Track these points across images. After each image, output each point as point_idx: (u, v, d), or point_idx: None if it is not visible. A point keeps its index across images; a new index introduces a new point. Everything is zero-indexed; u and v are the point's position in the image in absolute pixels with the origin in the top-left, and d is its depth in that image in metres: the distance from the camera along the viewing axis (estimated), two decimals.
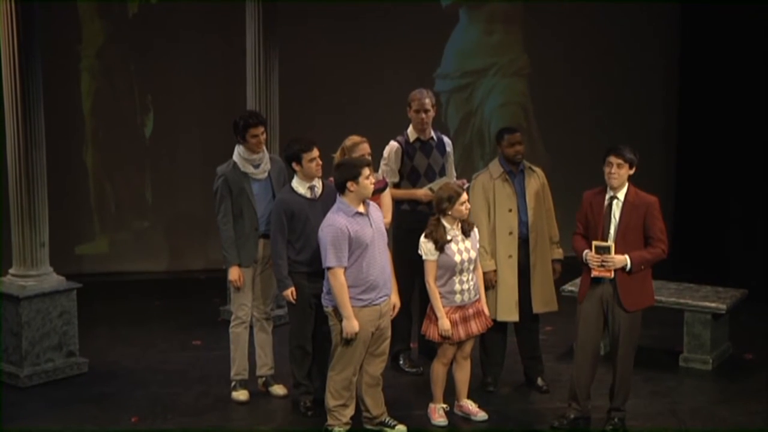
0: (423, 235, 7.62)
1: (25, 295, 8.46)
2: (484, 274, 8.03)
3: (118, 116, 11.73)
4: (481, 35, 12.26)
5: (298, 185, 7.79)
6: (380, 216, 7.52)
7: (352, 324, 7.29)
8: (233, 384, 8.26)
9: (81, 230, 11.74)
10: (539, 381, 8.48)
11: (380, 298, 7.40)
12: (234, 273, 8.08)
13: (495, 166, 8.24)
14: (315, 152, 7.75)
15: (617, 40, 12.20)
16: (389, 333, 7.56)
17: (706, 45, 11.67)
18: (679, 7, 12.08)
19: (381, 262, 7.38)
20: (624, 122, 12.04)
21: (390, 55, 11.72)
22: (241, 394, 8.23)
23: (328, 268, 7.27)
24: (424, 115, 8.56)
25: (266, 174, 8.14)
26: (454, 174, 8.87)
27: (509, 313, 8.20)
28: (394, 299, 7.59)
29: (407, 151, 8.59)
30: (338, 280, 7.26)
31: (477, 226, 7.94)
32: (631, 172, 7.45)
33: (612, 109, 12.25)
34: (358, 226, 7.28)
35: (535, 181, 8.29)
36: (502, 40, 12.29)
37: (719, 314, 8.88)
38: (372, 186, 7.39)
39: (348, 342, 7.35)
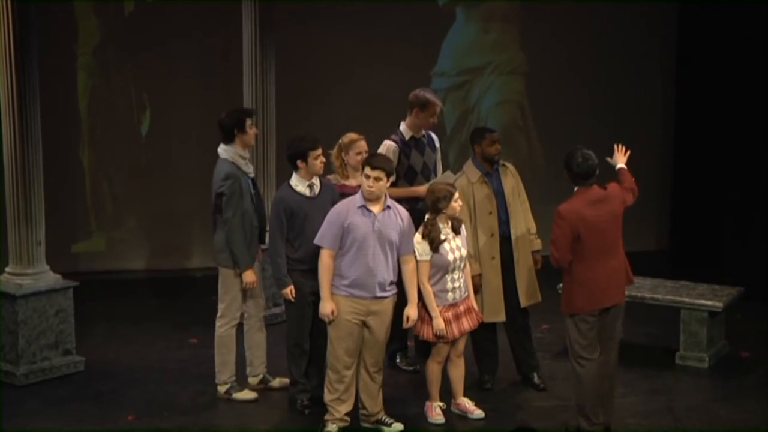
0: (419, 235, 7.61)
1: (21, 293, 8.46)
2: (471, 278, 8.05)
3: (114, 114, 11.72)
4: (478, 33, 12.26)
5: (298, 183, 7.80)
6: (396, 223, 7.44)
7: (325, 305, 7.39)
8: (229, 386, 8.23)
9: (77, 228, 11.72)
10: (536, 378, 8.49)
11: (370, 297, 7.40)
12: (251, 275, 8.08)
13: (471, 169, 8.22)
14: (320, 150, 7.81)
15: (614, 39, 12.19)
16: (382, 336, 7.54)
17: (704, 43, 11.66)
18: (677, 6, 12.08)
19: (370, 264, 7.36)
20: (621, 121, 12.03)
21: (387, 53, 11.71)
22: (247, 394, 8.21)
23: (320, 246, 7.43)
24: (435, 121, 8.64)
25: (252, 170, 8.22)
26: (441, 170, 8.92)
27: (496, 314, 8.22)
28: (409, 311, 7.54)
29: (404, 150, 8.60)
30: (323, 261, 7.38)
31: None
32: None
33: (609, 108, 12.24)
34: (355, 219, 7.32)
35: (510, 177, 8.32)
36: (499, 38, 12.29)
37: (716, 312, 8.88)
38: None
39: (330, 324, 7.44)
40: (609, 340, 7.52)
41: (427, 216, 7.68)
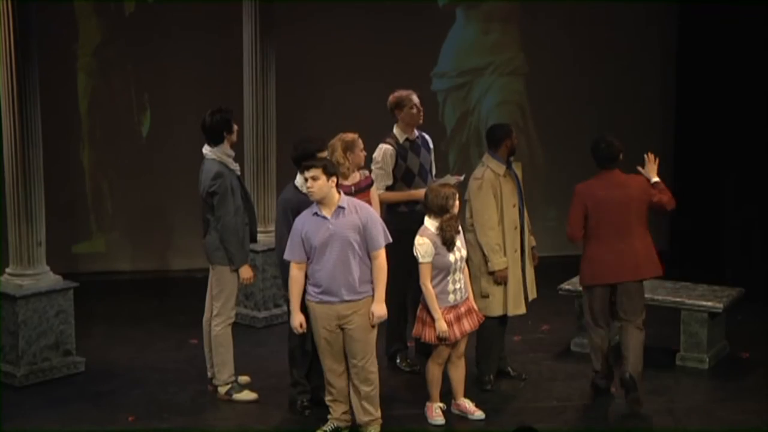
0: (420, 237, 7.60)
1: (21, 294, 8.45)
2: (499, 271, 8.11)
3: (114, 115, 11.72)
4: (478, 34, 12.26)
5: (303, 184, 7.77)
6: (352, 222, 7.28)
7: (293, 318, 7.39)
8: (230, 386, 8.23)
9: (78, 229, 11.72)
10: (512, 371, 8.60)
11: (338, 302, 7.31)
12: (248, 270, 8.13)
13: (495, 163, 8.25)
14: (326, 152, 7.84)
15: (615, 39, 12.19)
16: (361, 339, 7.36)
17: (704, 43, 11.67)
18: (677, 6, 12.09)
19: (332, 268, 7.26)
20: (621, 121, 12.04)
21: (387, 53, 11.71)
22: (247, 394, 8.22)
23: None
24: (420, 111, 8.65)
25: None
26: (435, 170, 8.98)
27: (518, 307, 8.33)
28: (374, 308, 7.36)
29: (400, 152, 8.61)
30: (291, 273, 7.38)
31: (490, 225, 8.04)
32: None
33: (609, 108, 12.24)
34: (310, 227, 7.28)
35: (520, 172, 8.44)
36: (499, 39, 12.28)
37: (716, 313, 8.88)
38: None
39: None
40: (624, 319, 8.04)
41: (427, 218, 7.67)
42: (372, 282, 7.37)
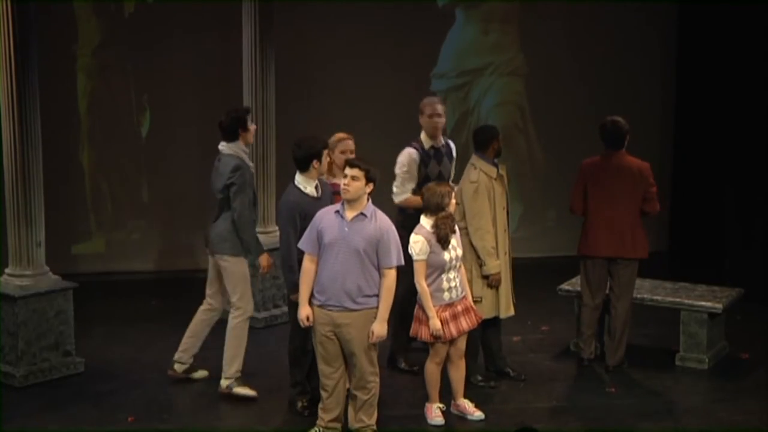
0: (415, 234, 7.60)
1: (21, 294, 8.45)
2: (494, 275, 8.13)
3: (114, 116, 11.72)
4: (478, 34, 12.27)
5: (306, 184, 7.73)
6: (366, 232, 7.15)
7: (300, 310, 7.30)
8: (232, 380, 8.24)
9: (77, 230, 11.72)
10: (511, 372, 8.60)
11: (332, 306, 7.21)
12: (268, 258, 8.23)
13: (487, 166, 8.25)
14: (327, 150, 7.88)
15: (614, 39, 12.20)
16: (357, 352, 7.25)
17: (704, 43, 11.67)
18: (677, 6, 12.09)
19: (335, 270, 7.15)
20: None
21: (386, 54, 11.72)
22: (247, 390, 8.24)
23: None
24: (437, 120, 8.55)
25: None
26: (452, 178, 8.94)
27: (509, 309, 8.35)
28: (374, 326, 7.21)
29: (423, 158, 8.56)
30: (303, 265, 7.33)
31: (486, 228, 8.07)
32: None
33: (609, 109, 12.16)
34: (326, 224, 7.22)
35: (505, 174, 8.44)
36: (499, 39, 12.29)
37: (715, 313, 8.88)
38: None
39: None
40: (617, 293, 8.67)
41: (423, 216, 7.67)
42: (375, 297, 7.22)
